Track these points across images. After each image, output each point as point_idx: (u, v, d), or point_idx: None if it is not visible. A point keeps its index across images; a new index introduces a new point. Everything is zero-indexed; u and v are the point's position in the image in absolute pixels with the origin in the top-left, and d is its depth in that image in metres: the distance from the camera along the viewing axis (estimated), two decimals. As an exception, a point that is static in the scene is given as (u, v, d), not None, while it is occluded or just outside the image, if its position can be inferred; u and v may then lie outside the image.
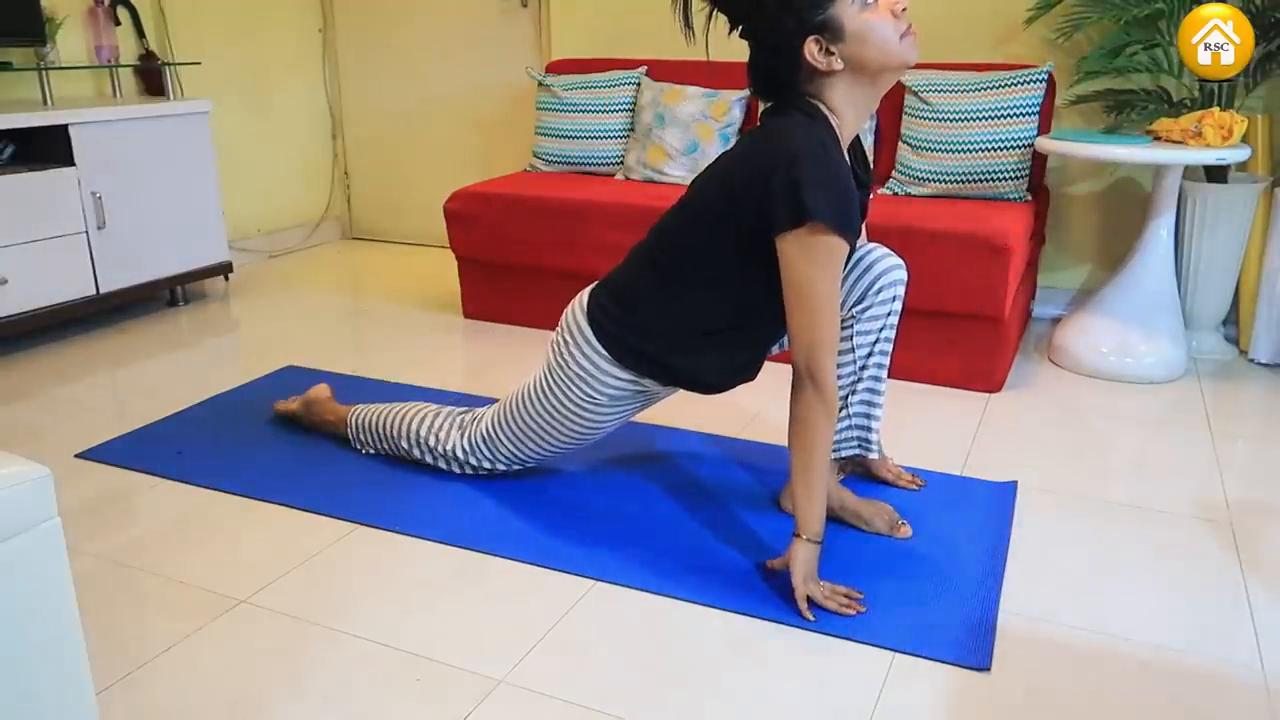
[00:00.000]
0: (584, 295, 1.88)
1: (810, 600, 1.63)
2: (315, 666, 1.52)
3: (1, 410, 2.54)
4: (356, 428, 2.21)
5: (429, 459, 2.10)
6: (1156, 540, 1.88)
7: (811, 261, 1.57)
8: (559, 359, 1.86)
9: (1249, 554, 1.83)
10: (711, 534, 1.88)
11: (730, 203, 1.65)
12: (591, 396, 1.84)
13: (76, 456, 2.23)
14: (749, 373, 1.85)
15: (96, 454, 2.24)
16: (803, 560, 1.65)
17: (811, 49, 1.58)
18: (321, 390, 2.35)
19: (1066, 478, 2.13)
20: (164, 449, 2.27)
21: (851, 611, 1.62)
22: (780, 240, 1.59)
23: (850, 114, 1.65)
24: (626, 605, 1.67)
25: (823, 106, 1.64)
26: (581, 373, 1.82)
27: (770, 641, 1.57)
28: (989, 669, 1.50)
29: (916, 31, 1.61)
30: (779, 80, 1.64)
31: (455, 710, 1.42)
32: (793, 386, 1.64)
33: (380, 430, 2.16)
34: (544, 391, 1.88)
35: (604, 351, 1.80)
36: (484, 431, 2.01)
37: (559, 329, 1.89)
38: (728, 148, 1.79)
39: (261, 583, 1.74)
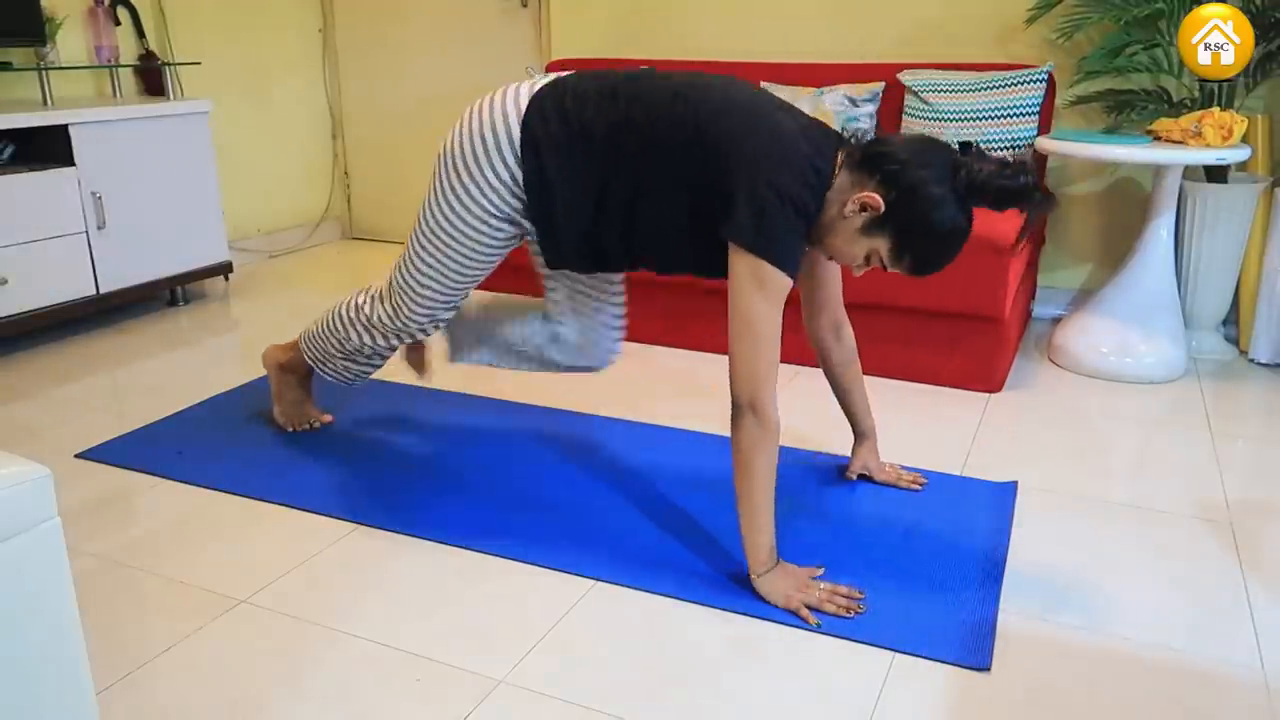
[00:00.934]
0: (519, 90, 1.77)
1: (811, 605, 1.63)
2: (315, 666, 1.52)
3: (1, 410, 2.54)
4: (307, 344, 2.19)
5: (366, 338, 2.07)
6: (1156, 540, 1.88)
7: (761, 294, 1.58)
8: (460, 146, 1.77)
9: (1249, 554, 1.83)
10: (712, 534, 1.88)
11: (701, 149, 1.62)
12: (479, 199, 1.77)
13: (76, 456, 2.23)
14: (592, 267, 1.84)
15: (96, 454, 2.24)
16: (770, 591, 1.65)
17: (867, 199, 1.56)
18: (269, 349, 2.33)
19: (1066, 478, 2.13)
20: (164, 449, 2.27)
21: (852, 613, 1.62)
22: (734, 250, 1.59)
23: (821, 230, 1.65)
24: (626, 605, 1.67)
25: (833, 189, 1.62)
26: (480, 164, 1.75)
27: (770, 641, 1.57)
28: (989, 669, 1.50)
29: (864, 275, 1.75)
30: (875, 158, 1.59)
31: (455, 710, 1.42)
32: (733, 419, 1.62)
33: (322, 332, 2.14)
34: (436, 195, 1.82)
35: (517, 148, 1.72)
36: (393, 276, 1.97)
37: (462, 125, 1.79)
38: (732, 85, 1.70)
39: (261, 583, 1.74)
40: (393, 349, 2.13)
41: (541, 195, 1.75)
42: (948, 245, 1.61)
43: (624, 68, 3.48)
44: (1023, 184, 1.55)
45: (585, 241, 1.78)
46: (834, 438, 2.28)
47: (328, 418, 2.38)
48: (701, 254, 1.71)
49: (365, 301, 2.06)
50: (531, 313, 2.07)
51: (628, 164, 1.68)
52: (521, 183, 1.75)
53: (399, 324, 2.02)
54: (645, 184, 1.68)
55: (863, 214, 1.59)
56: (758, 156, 1.58)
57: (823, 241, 1.67)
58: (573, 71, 1.81)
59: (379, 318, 2.03)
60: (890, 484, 2.08)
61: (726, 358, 1.65)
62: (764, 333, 1.59)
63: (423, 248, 1.88)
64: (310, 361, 2.22)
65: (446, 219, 1.82)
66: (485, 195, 1.78)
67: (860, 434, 2.11)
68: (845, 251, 1.65)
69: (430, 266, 1.89)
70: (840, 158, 1.64)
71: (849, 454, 2.15)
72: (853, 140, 1.67)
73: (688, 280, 2.87)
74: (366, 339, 2.09)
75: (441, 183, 1.82)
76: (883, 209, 1.57)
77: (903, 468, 2.13)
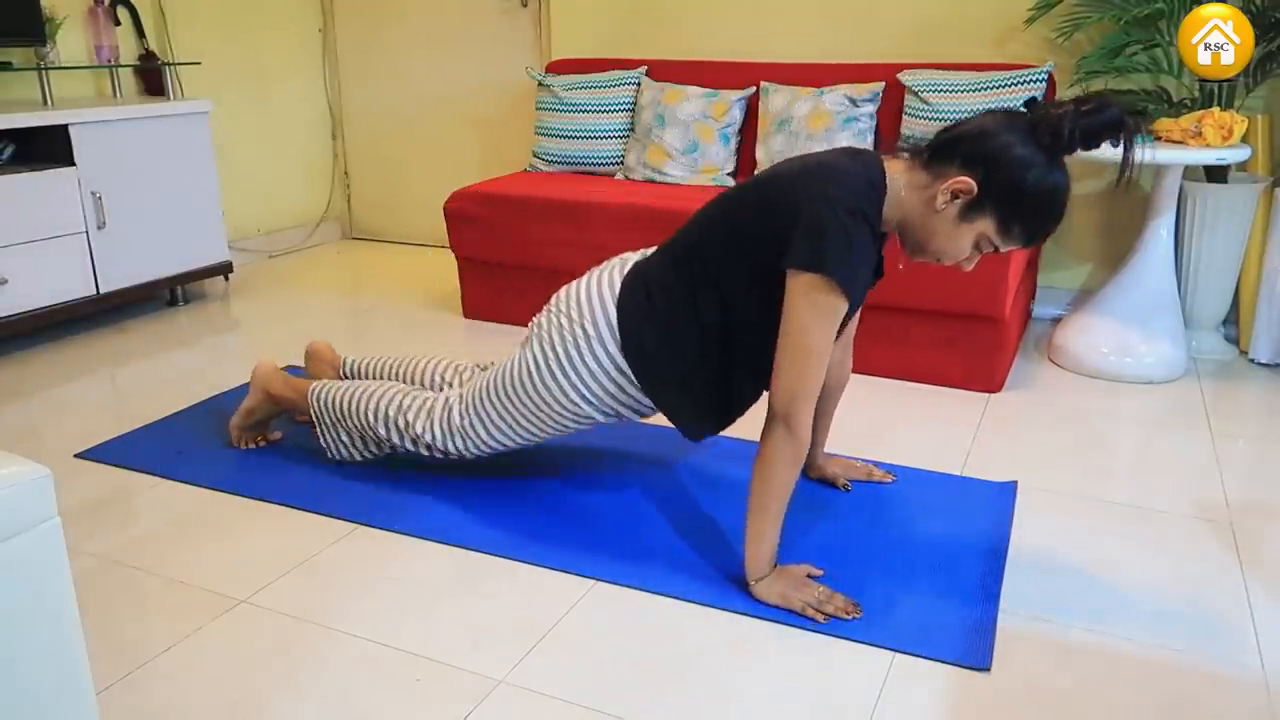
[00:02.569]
0: (612, 274, 1.84)
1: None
2: (315, 666, 1.52)
3: (1, 410, 2.54)
4: (319, 404, 2.10)
5: (395, 438, 2.01)
6: (1156, 540, 1.88)
7: (813, 311, 1.56)
8: (560, 333, 1.81)
9: (1249, 554, 1.83)
10: (712, 534, 1.88)
11: (757, 211, 1.64)
12: (578, 386, 1.81)
13: (76, 456, 2.23)
14: (724, 416, 1.84)
15: (96, 454, 2.24)
16: (767, 594, 1.65)
17: (959, 183, 1.53)
18: (264, 363, 2.23)
19: (1066, 478, 2.13)
20: (164, 449, 2.27)
21: (849, 616, 1.62)
22: (791, 276, 1.58)
23: (896, 218, 1.64)
24: (626, 605, 1.67)
25: (899, 190, 1.61)
26: (580, 353, 1.79)
27: (770, 641, 1.57)
28: (989, 669, 1.50)
29: (970, 265, 1.68)
30: (949, 145, 1.57)
31: (455, 710, 1.42)
32: (765, 426, 1.62)
33: (345, 407, 2.06)
34: (532, 371, 1.83)
35: (616, 334, 1.76)
36: (460, 413, 1.94)
37: (564, 308, 1.84)
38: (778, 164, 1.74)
39: (261, 583, 1.74)
40: (409, 453, 2.07)
41: (647, 364, 1.77)
42: (1052, 204, 1.56)
43: (624, 67, 3.48)
44: (1107, 116, 1.48)
45: (701, 381, 1.78)
46: (833, 437, 2.28)
47: (277, 435, 2.31)
48: None
49: (416, 417, 1.98)
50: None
51: (707, 274, 1.71)
52: (626, 369, 1.79)
53: (439, 448, 1.98)
54: (726, 284, 1.69)
55: (956, 201, 1.55)
56: (808, 187, 1.58)
57: (926, 248, 1.64)
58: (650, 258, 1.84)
59: (423, 432, 1.97)
60: (865, 479, 2.09)
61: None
62: (815, 349, 1.57)
63: (509, 408, 1.89)
64: (315, 419, 2.13)
65: (546, 391, 1.84)
66: (592, 385, 1.81)
67: (820, 444, 2.12)
68: (952, 247, 1.61)
69: (510, 426, 1.91)
70: (895, 163, 1.63)
71: (849, 455, 2.15)
72: (907, 143, 1.66)
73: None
74: (396, 440, 2.02)
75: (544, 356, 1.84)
76: (975, 189, 1.53)
77: (882, 466, 2.15)
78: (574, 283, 1.89)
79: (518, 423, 1.90)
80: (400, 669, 1.51)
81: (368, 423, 2.04)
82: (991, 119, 1.55)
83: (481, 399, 1.91)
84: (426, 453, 2.01)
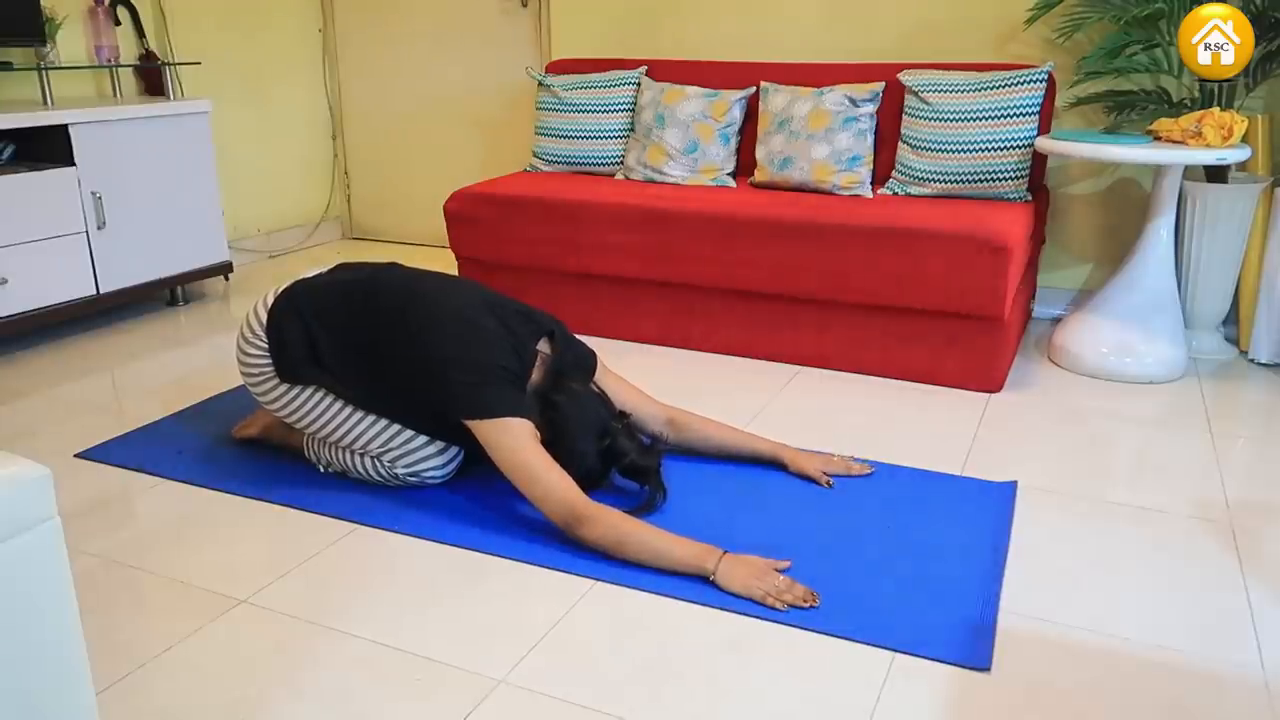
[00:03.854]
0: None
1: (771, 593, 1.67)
2: (315, 666, 1.52)
3: (1, 410, 2.54)
4: (317, 456, 2.13)
5: (393, 483, 2.06)
6: (1156, 540, 1.88)
7: (511, 439, 1.83)
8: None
9: (1249, 554, 1.83)
10: (711, 534, 1.88)
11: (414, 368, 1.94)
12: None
13: (76, 456, 2.23)
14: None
15: (96, 454, 2.24)
16: (730, 581, 1.68)
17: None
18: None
19: (1066, 478, 2.13)
20: (164, 449, 2.27)
21: (807, 604, 1.64)
22: (471, 424, 1.86)
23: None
24: (626, 605, 1.67)
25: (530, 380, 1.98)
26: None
27: (770, 641, 1.57)
28: (989, 669, 1.50)
29: None
30: (537, 397, 1.95)
31: (455, 710, 1.42)
32: (572, 536, 1.79)
33: (342, 462, 2.09)
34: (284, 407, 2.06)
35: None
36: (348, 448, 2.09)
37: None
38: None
39: (261, 583, 1.74)
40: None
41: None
42: (585, 479, 1.89)
43: (624, 67, 3.48)
44: (645, 466, 1.95)
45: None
46: (836, 438, 2.28)
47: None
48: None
49: (379, 465, 2.06)
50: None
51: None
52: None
53: (392, 475, 2.05)
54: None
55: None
56: (454, 350, 1.89)
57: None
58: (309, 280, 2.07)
59: (376, 469, 2.06)
60: (844, 473, 2.11)
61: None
62: (539, 466, 1.79)
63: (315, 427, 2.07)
64: (309, 454, 2.16)
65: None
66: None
67: (775, 455, 2.14)
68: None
69: (331, 436, 2.06)
70: (543, 349, 2.01)
71: (848, 456, 2.15)
72: (553, 338, 2.03)
73: (687, 281, 2.88)
74: (387, 477, 2.07)
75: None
76: (541, 439, 1.87)
77: (882, 466, 2.14)
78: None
79: (330, 434, 2.06)
80: (400, 669, 1.51)
81: (365, 474, 2.07)
82: (583, 408, 1.98)
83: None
84: (419, 480, 2.05)
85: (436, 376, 1.87)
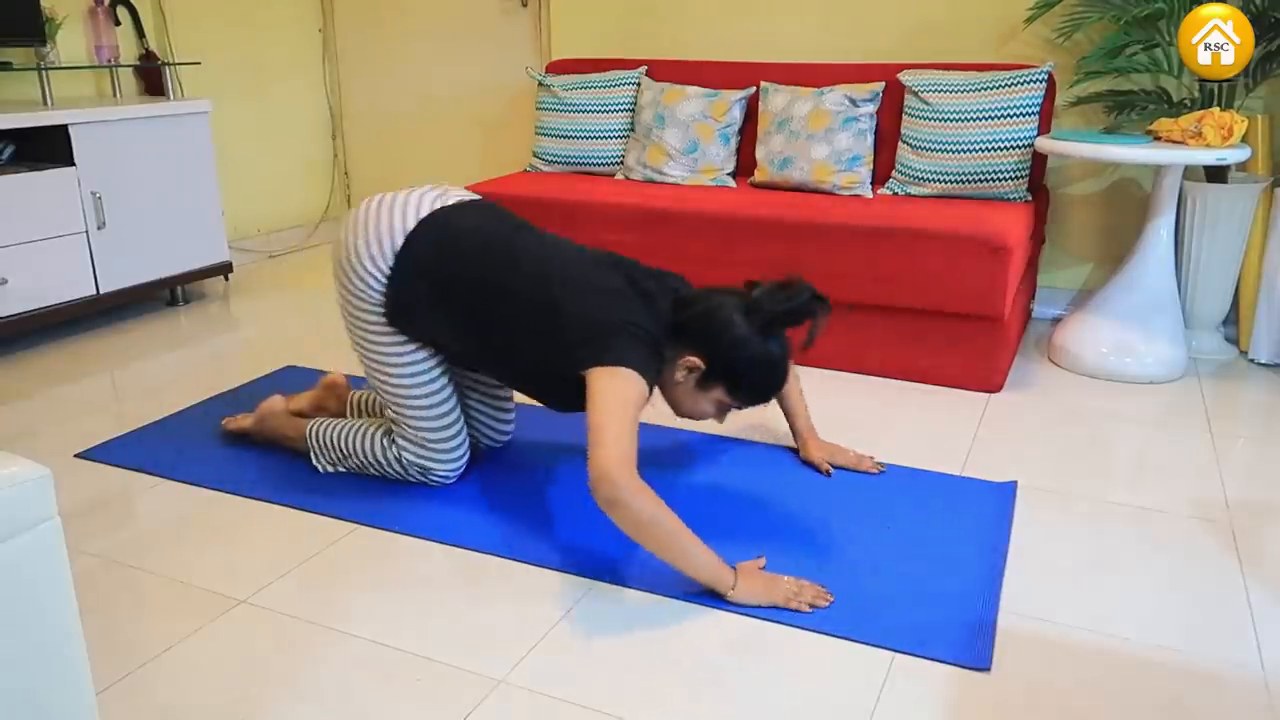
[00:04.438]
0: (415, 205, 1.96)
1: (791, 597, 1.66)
2: (315, 666, 1.52)
3: (1, 410, 2.54)
4: (319, 443, 2.13)
5: (392, 472, 2.06)
6: (1156, 540, 1.88)
7: (619, 382, 1.70)
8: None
9: (1249, 554, 1.83)
10: (711, 534, 1.88)
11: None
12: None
13: (76, 456, 2.23)
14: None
15: (96, 454, 2.24)
16: (749, 597, 1.65)
17: (688, 361, 1.79)
18: (275, 403, 2.26)
19: (1066, 478, 2.13)
20: (164, 449, 2.27)
21: (824, 603, 1.64)
22: (590, 374, 1.72)
23: (667, 394, 1.88)
24: (626, 605, 1.67)
25: (670, 358, 1.82)
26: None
27: (770, 641, 1.57)
28: (989, 669, 1.50)
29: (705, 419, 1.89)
30: (681, 326, 1.82)
31: (455, 710, 1.42)
32: (607, 510, 1.61)
33: (346, 444, 2.09)
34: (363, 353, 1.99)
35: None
36: (395, 429, 2.04)
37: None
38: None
39: (261, 583, 1.74)
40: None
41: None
42: (771, 373, 1.82)
43: (624, 67, 3.48)
44: (797, 304, 1.76)
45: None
46: (835, 438, 2.28)
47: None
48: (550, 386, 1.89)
49: (390, 446, 2.04)
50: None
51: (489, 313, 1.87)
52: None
53: (411, 469, 2.04)
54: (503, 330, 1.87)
55: (691, 375, 1.81)
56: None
57: (678, 410, 1.89)
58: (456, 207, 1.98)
59: (397, 457, 2.03)
60: (853, 468, 2.13)
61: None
62: (616, 422, 1.64)
63: (388, 389, 2.00)
64: (311, 450, 2.15)
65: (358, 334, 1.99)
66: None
67: (798, 435, 2.18)
68: (694, 409, 1.86)
69: (405, 404, 1.99)
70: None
71: (862, 452, 2.17)
72: (675, 294, 1.89)
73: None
74: (398, 470, 2.06)
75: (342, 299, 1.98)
76: (703, 366, 1.79)
77: (870, 460, 2.17)
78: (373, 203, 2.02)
79: (411, 399, 1.98)
80: (400, 669, 1.51)
81: (368, 455, 2.07)
82: (714, 301, 1.81)
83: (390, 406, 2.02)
84: (421, 476, 2.05)
85: (567, 330, 1.77)
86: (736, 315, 1.77)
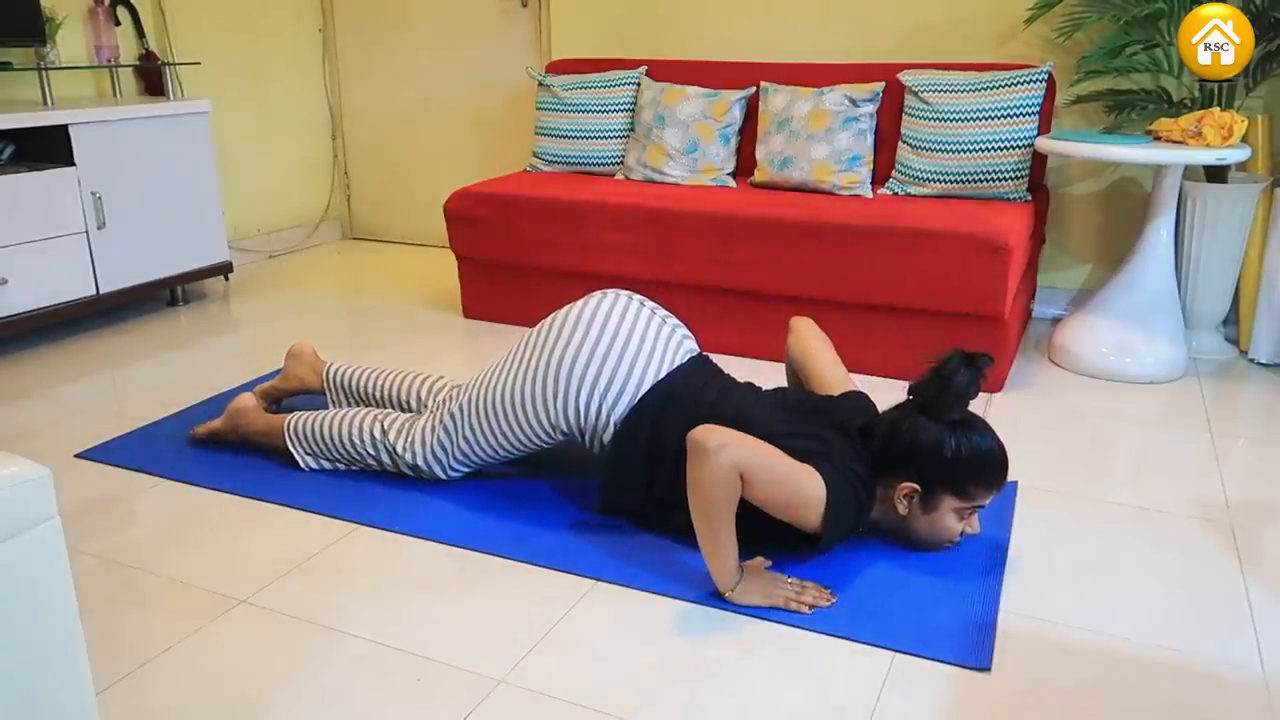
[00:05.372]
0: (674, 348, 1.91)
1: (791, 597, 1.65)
2: (315, 666, 1.52)
3: (1, 410, 2.54)
4: (298, 437, 2.12)
5: (385, 457, 2.05)
6: (1156, 540, 1.88)
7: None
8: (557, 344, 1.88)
9: (1249, 554, 1.83)
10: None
11: None
12: (577, 392, 1.87)
13: (76, 456, 2.23)
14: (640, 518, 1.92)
15: (96, 454, 2.24)
16: (750, 598, 1.65)
17: (905, 490, 1.73)
18: (245, 400, 2.23)
19: (1066, 478, 2.13)
20: (164, 449, 2.27)
21: (827, 603, 1.64)
22: None
23: (875, 514, 1.79)
24: (626, 605, 1.67)
25: (883, 495, 1.77)
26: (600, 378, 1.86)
27: (770, 641, 1.57)
28: (989, 669, 1.50)
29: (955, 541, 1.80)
30: (883, 463, 1.75)
31: (455, 710, 1.42)
32: (695, 447, 1.59)
33: (327, 435, 2.09)
34: (525, 380, 1.89)
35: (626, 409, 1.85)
36: (439, 431, 1.99)
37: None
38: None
39: (261, 583, 1.74)
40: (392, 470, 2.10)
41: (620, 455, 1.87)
42: (987, 459, 1.72)
43: (624, 67, 3.47)
44: (965, 378, 1.70)
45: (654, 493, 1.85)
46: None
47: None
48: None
49: (397, 437, 2.03)
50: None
51: None
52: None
53: (421, 469, 2.04)
54: None
55: (914, 501, 1.74)
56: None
57: (921, 544, 1.80)
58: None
59: (405, 457, 2.02)
60: None
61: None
62: (781, 464, 1.62)
63: (485, 426, 1.95)
64: (290, 445, 2.13)
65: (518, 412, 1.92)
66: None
67: None
68: (943, 533, 1.78)
69: (482, 444, 1.97)
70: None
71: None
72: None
73: (687, 281, 2.88)
74: (371, 453, 2.06)
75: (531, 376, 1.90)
76: (919, 487, 1.72)
77: None
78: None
79: (489, 441, 1.96)
80: (400, 669, 1.51)
81: (352, 446, 2.07)
82: (889, 419, 1.77)
83: (460, 415, 1.96)
84: (410, 473, 2.06)
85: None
86: (918, 421, 1.72)
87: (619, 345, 1.86)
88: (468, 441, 1.97)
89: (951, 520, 1.75)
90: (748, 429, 1.67)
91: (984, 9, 3.17)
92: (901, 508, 1.75)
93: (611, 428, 1.86)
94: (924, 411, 1.73)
